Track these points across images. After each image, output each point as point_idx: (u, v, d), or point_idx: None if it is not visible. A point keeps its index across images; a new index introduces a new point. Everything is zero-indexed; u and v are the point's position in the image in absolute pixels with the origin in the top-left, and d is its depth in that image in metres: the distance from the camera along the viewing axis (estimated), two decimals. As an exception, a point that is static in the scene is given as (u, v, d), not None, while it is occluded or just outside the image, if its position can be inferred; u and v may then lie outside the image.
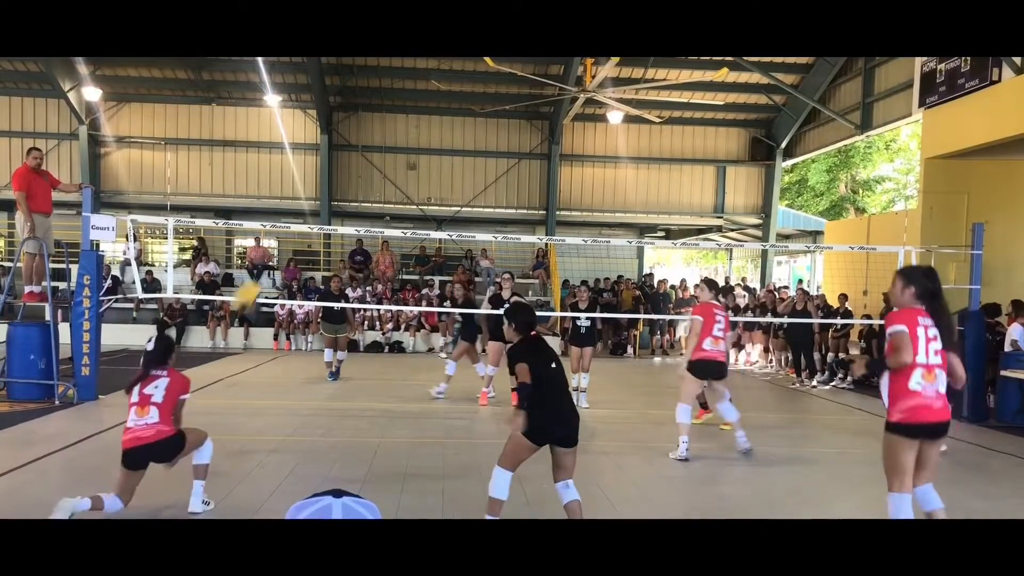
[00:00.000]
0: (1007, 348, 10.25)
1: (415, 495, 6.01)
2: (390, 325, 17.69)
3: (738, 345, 17.42)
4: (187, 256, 21.12)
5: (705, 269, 38.27)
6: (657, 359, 17.47)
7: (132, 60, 19.74)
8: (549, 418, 4.85)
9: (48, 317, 10.05)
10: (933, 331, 4.25)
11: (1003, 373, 10.09)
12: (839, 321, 13.66)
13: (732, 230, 25.40)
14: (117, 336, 15.99)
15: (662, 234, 26.27)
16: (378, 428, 8.68)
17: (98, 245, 10.91)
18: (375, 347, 17.38)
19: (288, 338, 17.19)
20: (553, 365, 5.02)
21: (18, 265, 10.37)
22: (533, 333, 5.15)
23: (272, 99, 20.17)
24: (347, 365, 12.78)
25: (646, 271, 25.72)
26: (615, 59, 15.63)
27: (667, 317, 17.87)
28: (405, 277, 20.28)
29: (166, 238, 10.97)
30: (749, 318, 16.39)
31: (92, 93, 19.80)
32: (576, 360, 10.57)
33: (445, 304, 17.06)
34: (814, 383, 13.50)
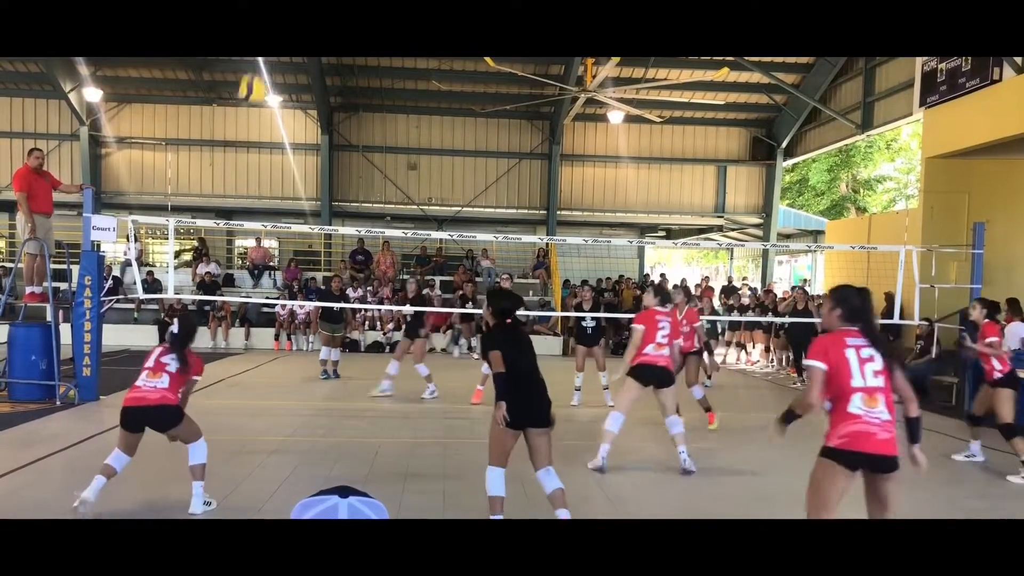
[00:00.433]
0: (1014, 347, 10.21)
1: (416, 495, 6.02)
2: (391, 325, 17.69)
3: (739, 345, 17.43)
4: (188, 257, 21.12)
5: (706, 269, 38.26)
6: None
7: (133, 61, 19.76)
8: (521, 402, 5.01)
9: (49, 318, 10.06)
10: (868, 351, 3.86)
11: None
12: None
13: (733, 230, 25.39)
14: (118, 337, 16.00)
15: (663, 234, 26.26)
16: (379, 428, 8.69)
17: (99, 246, 10.90)
18: (376, 347, 17.39)
19: (289, 338, 17.19)
20: (527, 354, 5.18)
21: (19, 266, 10.37)
22: (509, 321, 5.24)
23: (273, 99, 20.15)
24: (347, 365, 12.78)
25: (646, 271, 25.74)
26: (615, 59, 15.62)
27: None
28: (405, 277, 20.27)
29: (167, 239, 10.99)
30: (750, 318, 16.39)
31: (93, 94, 19.81)
32: (582, 359, 10.59)
33: (456, 304, 17.05)
34: (815, 383, 13.48)
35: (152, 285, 16.79)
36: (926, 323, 12.01)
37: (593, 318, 10.62)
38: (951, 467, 7.64)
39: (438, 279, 19.95)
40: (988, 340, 7.55)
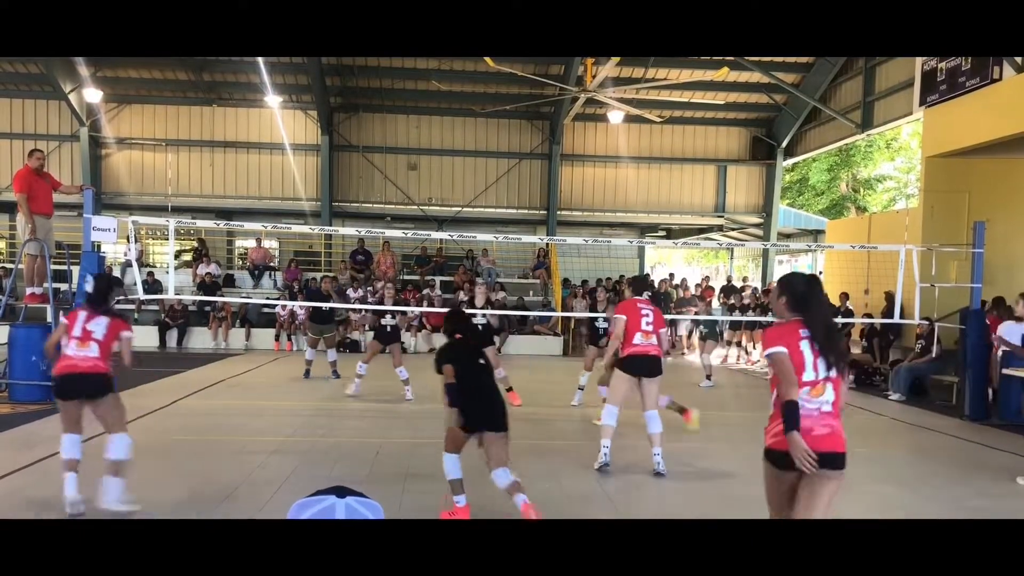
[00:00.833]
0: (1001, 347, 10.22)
1: (416, 495, 6.02)
2: (440, 348, 17.60)
3: (738, 344, 17.42)
4: (188, 257, 21.13)
5: (706, 269, 38.26)
6: (667, 358, 17.42)
7: (133, 61, 19.77)
8: (475, 409, 5.39)
9: (50, 319, 10.05)
10: (819, 346, 3.63)
11: (1004, 372, 10.07)
12: (840, 320, 13.65)
13: (733, 229, 25.39)
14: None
15: (663, 234, 26.26)
16: (379, 428, 8.69)
17: (99, 246, 10.89)
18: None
19: (289, 339, 17.19)
20: (481, 361, 5.56)
21: (20, 267, 10.37)
22: (458, 336, 5.72)
23: (273, 100, 20.18)
24: (348, 365, 12.78)
25: (647, 270, 25.74)
26: (615, 59, 15.62)
27: (668, 317, 17.84)
28: (406, 278, 20.29)
29: (167, 239, 10.99)
30: (750, 317, 16.39)
31: (93, 95, 19.82)
32: (591, 360, 10.61)
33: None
34: (815, 382, 13.48)
35: (152, 286, 16.79)
36: (926, 322, 12.01)
37: (607, 319, 10.57)
38: (956, 467, 7.64)
39: (438, 279, 19.95)
40: None
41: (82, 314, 5.50)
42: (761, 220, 23.26)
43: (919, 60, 14.67)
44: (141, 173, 21.51)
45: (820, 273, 22.43)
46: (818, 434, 3.53)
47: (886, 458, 8.08)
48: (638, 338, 6.92)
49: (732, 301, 19.20)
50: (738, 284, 21.32)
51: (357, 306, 15.77)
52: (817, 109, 20.30)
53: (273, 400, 10.52)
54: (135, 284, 11.33)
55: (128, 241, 12.03)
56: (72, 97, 20.05)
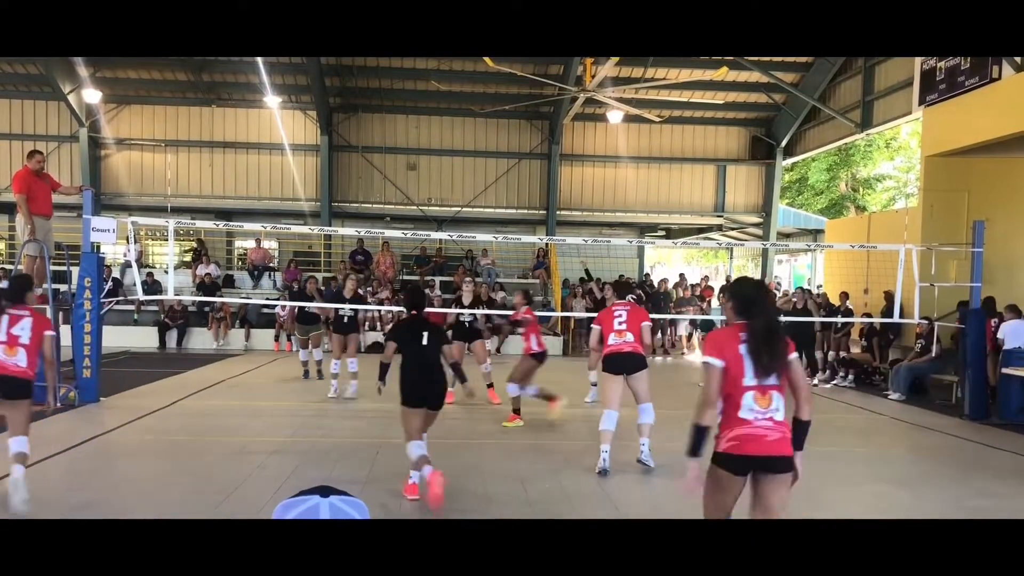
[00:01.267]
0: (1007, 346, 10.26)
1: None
2: (391, 326, 17.69)
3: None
4: (187, 258, 21.13)
5: (705, 268, 38.26)
6: (659, 358, 17.47)
7: (132, 62, 19.76)
8: (416, 386, 5.81)
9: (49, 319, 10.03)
10: (759, 352, 3.60)
11: (1004, 371, 10.09)
12: (840, 320, 13.65)
13: (732, 229, 25.39)
14: (118, 338, 16.00)
15: (662, 233, 26.25)
16: (379, 428, 8.68)
17: (99, 247, 10.89)
18: (376, 347, 17.37)
19: (289, 339, 17.17)
20: (424, 343, 5.91)
21: (19, 267, 10.37)
22: (415, 312, 6.15)
23: (272, 100, 20.17)
24: (365, 364, 12.76)
25: (646, 270, 25.74)
26: (615, 59, 15.62)
27: (668, 316, 17.87)
28: (406, 278, 20.28)
29: (166, 240, 10.98)
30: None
31: (92, 95, 19.80)
32: (597, 359, 10.65)
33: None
34: (815, 382, 13.50)
35: (152, 286, 16.79)
36: (926, 322, 12.02)
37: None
38: (956, 466, 7.64)
39: (438, 279, 19.95)
40: None
41: (4, 318, 5.46)
42: (760, 220, 23.25)
43: (918, 60, 14.67)
44: (140, 174, 21.50)
45: (809, 280, 22.46)
46: (771, 440, 3.57)
47: (886, 458, 8.08)
48: (612, 339, 7.11)
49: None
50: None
51: (374, 307, 15.74)
52: (816, 108, 20.30)
53: (273, 401, 10.52)
54: (135, 285, 11.33)
55: (127, 242, 12.03)
56: (71, 98, 20.04)
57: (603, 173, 22.80)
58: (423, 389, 5.84)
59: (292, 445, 7.73)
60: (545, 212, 22.22)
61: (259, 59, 18.04)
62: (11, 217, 17.83)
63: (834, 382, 13.53)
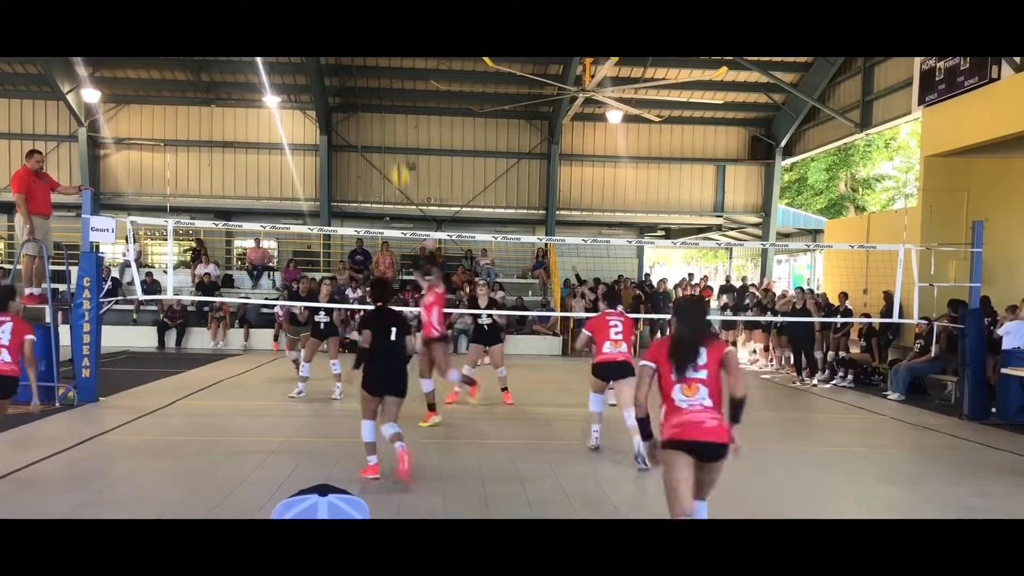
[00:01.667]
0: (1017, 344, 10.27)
1: (416, 494, 6.02)
2: (360, 316, 17.62)
3: (732, 344, 17.42)
4: (187, 257, 21.12)
5: (705, 268, 38.28)
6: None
7: (131, 61, 19.74)
8: (381, 376, 6.23)
9: (48, 319, 10.04)
10: (682, 350, 4.26)
11: (1004, 371, 10.09)
12: (839, 320, 13.66)
13: (732, 229, 25.39)
14: (117, 338, 15.99)
15: (662, 233, 26.24)
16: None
17: (98, 247, 10.89)
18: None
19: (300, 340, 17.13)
20: (392, 337, 6.33)
21: (18, 267, 10.36)
22: (380, 304, 6.57)
23: (271, 100, 20.16)
24: (348, 365, 12.76)
25: (646, 270, 25.73)
26: (614, 59, 15.62)
27: (668, 316, 17.84)
28: (405, 278, 20.28)
29: (166, 239, 10.97)
30: (750, 317, 16.39)
31: (91, 95, 19.79)
32: None
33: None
34: (815, 382, 13.51)
35: (151, 286, 16.77)
36: (925, 322, 12.02)
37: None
38: (951, 465, 7.65)
39: (437, 279, 19.90)
40: None
41: None
42: (760, 220, 23.26)
43: (918, 60, 14.67)
44: (139, 173, 21.49)
45: (808, 281, 22.46)
46: (709, 426, 4.13)
47: (885, 457, 8.09)
48: (607, 347, 7.62)
49: (726, 300, 19.18)
50: (737, 284, 21.31)
51: (371, 307, 15.68)
52: (816, 108, 20.30)
53: (272, 400, 10.51)
54: (133, 284, 11.32)
55: (126, 241, 12.03)
56: (70, 97, 20.03)
57: (602, 173, 22.80)
58: (385, 379, 6.26)
59: (292, 445, 7.73)
60: (544, 212, 22.22)
61: (258, 59, 18.03)
62: (10, 217, 17.82)
63: (833, 382, 13.53)
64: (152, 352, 16.38)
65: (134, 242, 12.25)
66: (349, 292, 16.86)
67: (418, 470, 6.78)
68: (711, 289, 20.96)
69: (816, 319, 13.39)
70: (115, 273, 17.61)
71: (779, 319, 14.47)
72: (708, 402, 4.19)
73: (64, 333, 10.15)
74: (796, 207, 31.03)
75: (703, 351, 4.25)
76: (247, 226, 18.14)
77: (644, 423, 4.36)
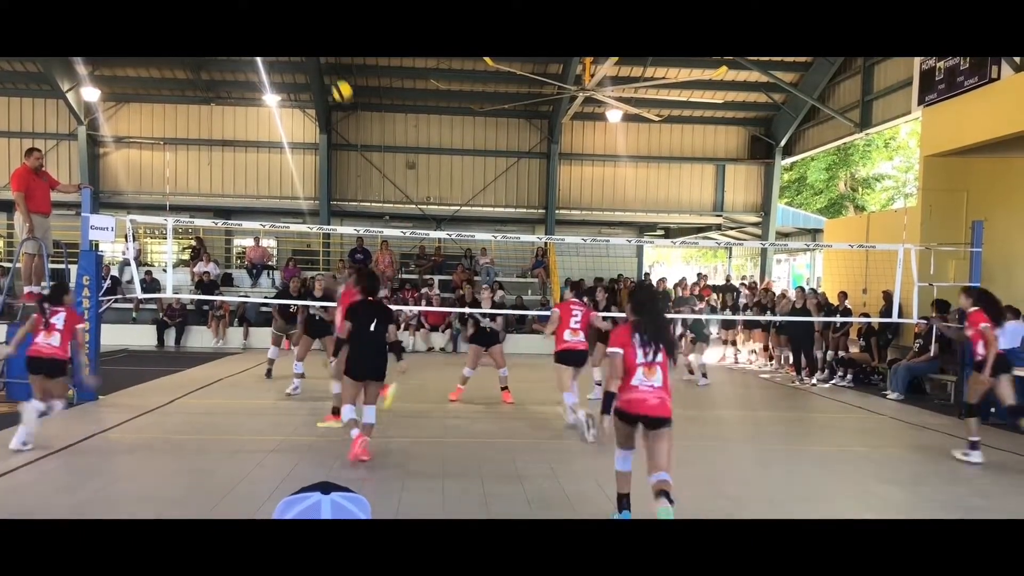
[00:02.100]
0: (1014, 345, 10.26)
1: (415, 493, 6.01)
2: (348, 306, 17.60)
3: (732, 343, 17.40)
4: (186, 256, 21.11)
5: (704, 267, 38.27)
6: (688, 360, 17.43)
7: (130, 60, 19.73)
8: (361, 362, 6.85)
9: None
10: (647, 337, 5.01)
11: (1003, 371, 10.07)
12: (838, 319, 13.66)
13: (732, 228, 25.39)
14: (116, 336, 15.99)
15: (661, 233, 26.25)
16: (378, 427, 8.66)
17: (97, 245, 10.88)
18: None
19: (288, 338, 17.14)
20: (372, 328, 6.86)
21: (17, 266, 10.36)
22: (371, 298, 7.10)
23: (271, 99, 20.15)
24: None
25: (645, 269, 25.72)
26: (614, 58, 15.61)
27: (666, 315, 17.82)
28: (405, 276, 20.28)
29: (165, 238, 10.97)
30: (749, 317, 16.39)
31: (91, 93, 19.79)
32: (600, 356, 10.80)
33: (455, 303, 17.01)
34: (814, 381, 13.51)
35: (150, 285, 16.77)
36: (924, 322, 12.02)
37: (605, 318, 10.65)
38: (951, 464, 7.65)
39: (437, 278, 19.94)
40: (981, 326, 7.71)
41: (51, 311, 7.27)
42: (759, 219, 23.26)
43: (917, 59, 14.67)
44: (139, 172, 21.49)
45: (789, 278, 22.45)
46: (652, 403, 4.93)
47: (885, 457, 8.09)
48: (567, 335, 8.65)
49: (724, 299, 19.16)
50: (736, 283, 21.31)
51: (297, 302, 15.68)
52: (816, 108, 20.30)
53: (271, 399, 10.51)
54: (132, 283, 11.30)
55: (126, 240, 12.02)
56: (70, 96, 20.02)
57: (602, 172, 22.80)
58: (367, 365, 6.85)
59: (291, 443, 7.73)
60: (544, 211, 22.22)
61: (258, 58, 18.02)
62: (10, 215, 17.80)
63: (833, 381, 13.54)
64: (151, 351, 16.37)
65: (133, 240, 12.24)
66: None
67: (417, 469, 6.79)
68: (710, 288, 20.95)
69: (816, 319, 13.40)
70: (114, 272, 17.63)
71: (778, 318, 14.48)
72: (660, 383, 4.97)
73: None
74: (796, 206, 31.04)
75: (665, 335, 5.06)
76: (247, 225, 18.15)
77: (609, 399, 4.99)
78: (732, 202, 23.10)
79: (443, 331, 17.87)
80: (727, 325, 17.47)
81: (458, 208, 22.27)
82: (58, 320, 7.23)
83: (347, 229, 16.08)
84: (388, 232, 15.68)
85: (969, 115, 13.00)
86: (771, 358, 16.05)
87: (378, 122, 21.98)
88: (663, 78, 19.43)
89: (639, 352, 4.97)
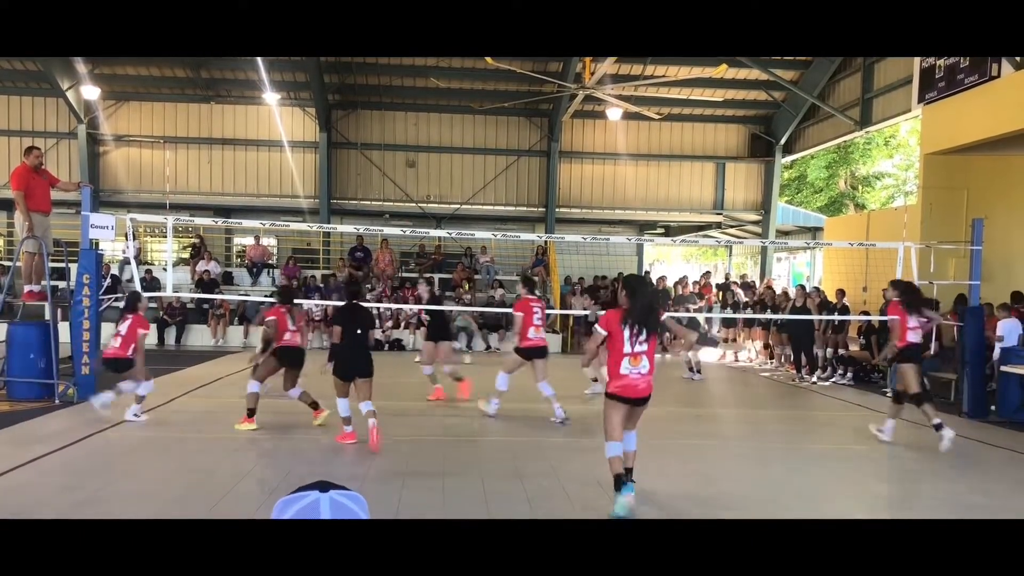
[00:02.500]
0: (1011, 343, 10.29)
1: (415, 491, 6.01)
2: (390, 323, 17.68)
3: (733, 341, 17.41)
4: (186, 255, 21.11)
5: (704, 266, 38.27)
6: (657, 355, 17.45)
7: (131, 59, 19.72)
8: (349, 362, 7.41)
9: (48, 316, 10.04)
10: (637, 327, 5.43)
11: (1003, 369, 10.09)
12: (837, 317, 13.65)
13: (732, 227, 25.37)
14: (117, 335, 15.96)
15: (661, 231, 26.23)
16: (378, 426, 8.66)
17: (97, 244, 10.89)
18: (375, 345, 17.35)
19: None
20: (359, 331, 7.45)
21: (18, 264, 10.36)
22: (355, 301, 7.74)
23: (271, 97, 20.14)
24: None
25: (646, 268, 25.71)
26: (613, 56, 15.59)
27: (667, 314, 17.82)
28: (405, 275, 20.27)
29: (165, 237, 10.96)
30: (749, 315, 16.39)
31: (91, 92, 19.77)
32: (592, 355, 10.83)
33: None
34: (814, 379, 13.51)
35: (150, 283, 16.76)
36: (925, 320, 12.00)
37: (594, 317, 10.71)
38: (951, 462, 7.65)
39: (437, 276, 19.93)
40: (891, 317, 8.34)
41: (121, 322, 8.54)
42: (760, 217, 23.25)
43: (917, 57, 14.66)
44: (139, 170, 21.48)
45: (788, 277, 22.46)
46: (641, 388, 5.48)
47: (884, 455, 8.09)
48: (531, 332, 8.97)
49: (725, 298, 19.16)
50: (737, 282, 21.28)
51: (373, 305, 15.67)
52: (816, 106, 20.29)
53: (271, 397, 10.50)
54: (132, 281, 11.30)
55: (126, 238, 12.02)
56: (70, 94, 20.01)
57: (602, 170, 22.79)
58: (352, 366, 7.40)
59: (291, 442, 7.73)
60: (544, 209, 22.21)
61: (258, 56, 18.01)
62: (10, 214, 17.80)
63: (833, 379, 13.54)
64: (152, 349, 16.33)
65: (134, 239, 12.25)
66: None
67: (417, 467, 6.79)
68: (711, 287, 20.94)
69: (816, 317, 13.40)
70: (115, 270, 17.63)
71: (779, 317, 14.48)
72: (646, 370, 5.48)
73: (64, 330, 10.15)
74: (796, 205, 31.01)
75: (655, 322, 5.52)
76: (247, 223, 18.15)
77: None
78: (732, 200, 23.08)
79: (345, 296, 17.75)
80: (728, 323, 17.47)
81: (458, 206, 22.26)
82: (123, 326, 8.41)
83: (347, 227, 16.09)
84: (388, 231, 15.67)
85: (969, 113, 13.00)
86: (771, 356, 16.04)
87: (378, 120, 21.96)
88: (663, 76, 19.41)
89: (626, 340, 5.40)
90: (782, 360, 15.47)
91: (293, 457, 7.09)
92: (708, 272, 21.77)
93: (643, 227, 25.17)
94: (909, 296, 8.44)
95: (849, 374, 13.59)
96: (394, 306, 17.23)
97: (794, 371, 14.09)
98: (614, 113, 19.14)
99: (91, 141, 21.06)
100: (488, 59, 16.13)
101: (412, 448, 7.59)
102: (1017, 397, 9.95)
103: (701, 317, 16.59)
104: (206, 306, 17.59)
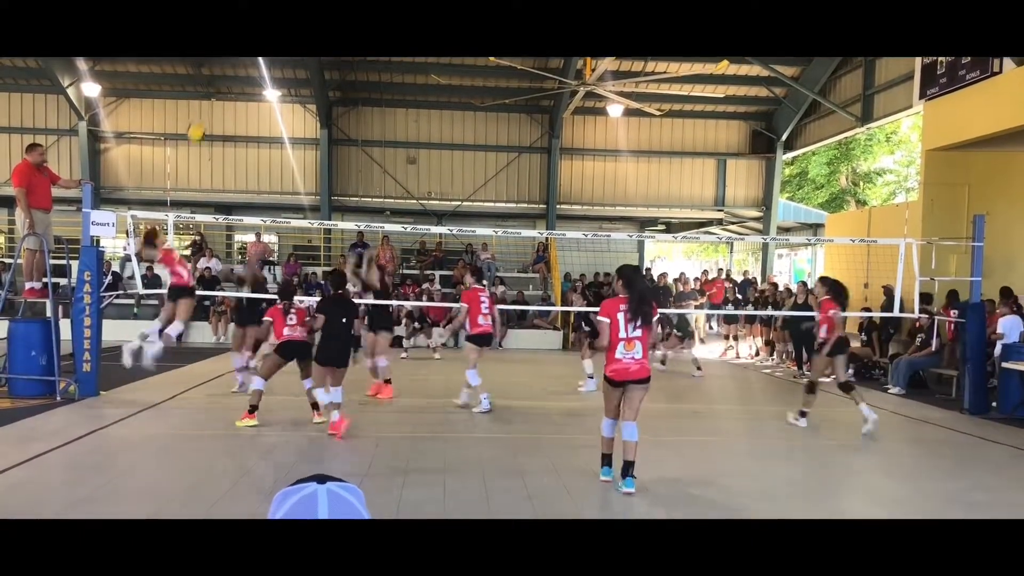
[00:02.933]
0: (1012, 339, 10.29)
1: (416, 488, 6.02)
2: (318, 301, 17.57)
3: (734, 338, 17.40)
4: (187, 252, 21.11)
5: (706, 262, 38.27)
6: (659, 352, 17.46)
7: (131, 57, 19.74)
8: (329, 350, 7.74)
9: (49, 313, 10.04)
10: (631, 314, 5.84)
11: (1004, 365, 10.09)
12: (838, 314, 13.62)
13: (733, 223, 25.36)
14: (118, 332, 15.94)
15: (662, 227, 26.22)
16: (377, 423, 8.68)
17: (98, 241, 10.88)
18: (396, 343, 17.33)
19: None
20: (343, 320, 7.78)
21: (18, 261, 10.36)
22: (340, 292, 8.08)
23: (271, 94, 20.13)
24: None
25: (647, 264, 25.70)
26: (615, 52, 15.57)
27: (668, 311, 17.83)
28: (405, 272, 20.28)
29: (166, 234, 10.96)
30: (749, 312, 16.38)
31: (91, 89, 19.77)
32: (587, 349, 10.91)
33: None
34: (815, 377, 13.49)
35: (151, 280, 16.76)
36: (926, 316, 12.01)
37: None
38: (952, 459, 7.65)
39: (438, 273, 19.94)
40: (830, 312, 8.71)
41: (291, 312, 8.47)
42: (761, 214, 23.23)
43: (919, 53, 14.64)
44: (140, 167, 21.49)
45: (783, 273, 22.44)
46: (634, 370, 5.88)
47: (885, 451, 8.09)
48: (481, 320, 9.28)
49: (726, 296, 19.13)
50: (738, 279, 21.28)
51: (373, 301, 15.65)
52: (817, 102, 20.26)
53: (272, 395, 10.50)
54: (134, 278, 11.30)
55: (127, 236, 12.02)
56: (70, 91, 20.00)
57: (603, 167, 22.77)
58: (334, 353, 7.72)
59: (291, 439, 7.74)
60: (545, 206, 22.20)
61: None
62: (11, 211, 17.82)
63: (833, 376, 13.52)
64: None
65: (135, 236, 12.24)
66: (350, 287, 16.81)
67: (418, 464, 6.80)
68: (712, 284, 20.92)
69: (814, 314, 13.37)
70: (116, 267, 17.63)
71: (780, 313, 14.47)
72: (639, 355, 5.89)
73: (65, 327, 10.16)
74: (797, 201, 31.00)
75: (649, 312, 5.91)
76: (248, 220, 18.15)
77: (592, 334, 6.20)
78: (733, 197, 23.07)
79: (444, 326, 17.84)
80: (729, 320, 17.46)
81: (459, 203, 22.26)
82: (293, 317, 8.34)
83: (348, 224, 16.12)
84: (389, 227, 15.65)
85: (971, 109, 12.97)
86: (772, 353, 16.04)
87: (379, 117, 21.95)
88: (664, 72, 19.37)
89: (621, 326, 5.83)
90: (783, 357, 15.46)
91: (294, 454, 7.10)
92: (721, 268, 21.73)
93: (644, 224, 25.16)
94: (836, 293, 8.98)
95: (850, 371, 13.57)
96: (394, 303, 17.21)
97: (795, 368, 14.08)
98: (615, 109, 19.13)
99: (92, 138, 21.05)
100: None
101: (413, 445, 7.60)
102: (1018, 393, 9.94)
103: (701, 315, 16.59)
104: (207, 303, 17.58)
